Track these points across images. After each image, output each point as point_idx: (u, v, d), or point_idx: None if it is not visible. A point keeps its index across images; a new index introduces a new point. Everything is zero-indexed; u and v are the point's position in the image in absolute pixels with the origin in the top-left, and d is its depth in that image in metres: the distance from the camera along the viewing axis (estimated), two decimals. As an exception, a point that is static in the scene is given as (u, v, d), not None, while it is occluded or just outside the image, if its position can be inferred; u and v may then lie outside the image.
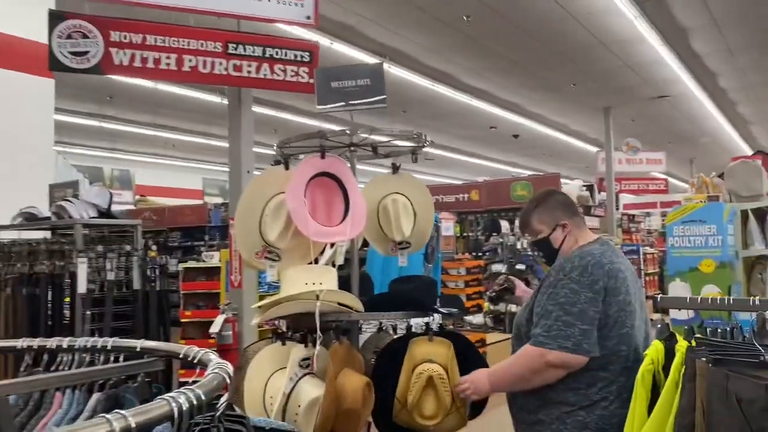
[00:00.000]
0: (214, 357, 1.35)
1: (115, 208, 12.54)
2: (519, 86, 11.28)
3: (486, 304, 8.48)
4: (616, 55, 9.57)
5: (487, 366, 2.47)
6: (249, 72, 4.15)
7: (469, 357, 2.47)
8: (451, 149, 17.24)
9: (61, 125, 12.56)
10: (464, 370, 2.38)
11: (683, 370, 1.82)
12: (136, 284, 3.52)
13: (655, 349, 2.04)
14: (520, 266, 8.13)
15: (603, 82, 11.14)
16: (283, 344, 2.48)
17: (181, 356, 1.48)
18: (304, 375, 2.36)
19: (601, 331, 2.11)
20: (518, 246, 8.77)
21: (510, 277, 2.78)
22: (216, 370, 1.17)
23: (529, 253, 8.76)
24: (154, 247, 3.51)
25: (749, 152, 18.31)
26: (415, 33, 8.61)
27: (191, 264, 7.38)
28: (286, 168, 2.52)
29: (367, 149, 2.59)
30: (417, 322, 2.77)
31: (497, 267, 8.58)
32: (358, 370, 2.42)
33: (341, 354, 2.35)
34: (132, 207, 15.36)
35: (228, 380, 1.15)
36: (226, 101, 4.81)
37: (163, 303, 3.59)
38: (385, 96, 2.61)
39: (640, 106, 12.92)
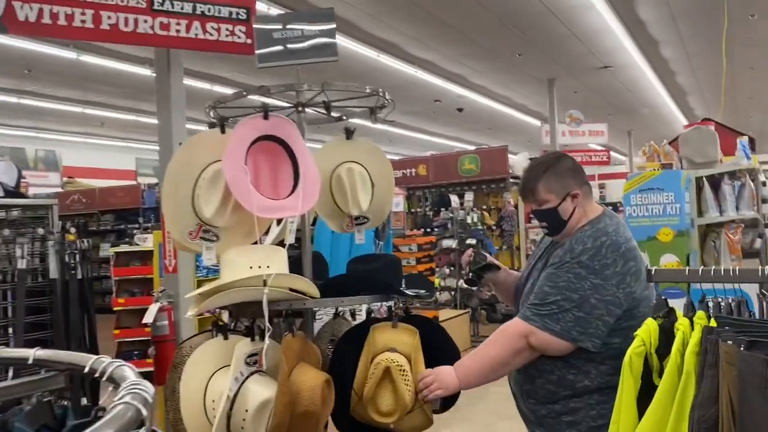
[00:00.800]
0: (129, 373, 0.99)
1: (39, 191, 11.75)
2: (464, 56, 11.01)
3: (437, 280, 8.26)
4: (563, 23, 9.40)
5: (459, 356, 2.18)
6: (178, 31, 3.69)
7: (440, 346, 2.18)
8: (397, 124, 16.93)
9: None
10: (435, 361, 2.08)
11: (697, 353, 1.56)
12: (54, 273, 3.07)
13: (647, 329, 1.78)
14: (471, 241, 7.92)
15: (549, 53, 11.00)
16: (226, 338, 2.12)
17: (86, 370, 1.11)
18: (252, 374, 2.01)
19: (620, 319, 1.89)
20: (468, 220, 8.57)
21: (480, 251, 2.44)
22: (128, 399, 0.82)
23: (479, 227, 8.57)
24: (72, 230, 3.05)
25: (685, 123, 18.73)
26: (358, -1, 8.20)
27: (123, 248, 6.85)
28: (222, 131, 2.14)
29: (319, 110, 2.23)
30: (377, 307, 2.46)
31: (448, 242, 8.37)
32: (314, 365, 2.09)
33: (295, 347, 2.02)
34: (59, 189, 14.48)
35: (144, 412, 0.80)
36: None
37: (86, 293, 3.15)
38: (335, 47, 2.26)
39: (584, 78, 12.89)
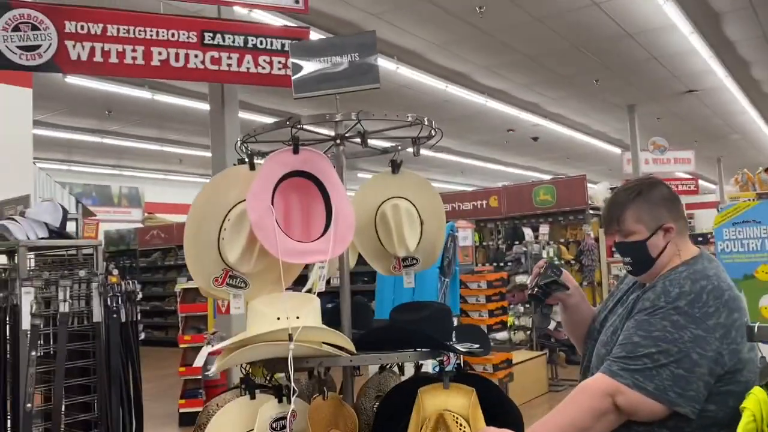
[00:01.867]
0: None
1: (122, 227, 12.11)
2: (537, 84, 10.65)
3: (511, 319, 7.83)
4: (642, 46, 8.92)
5: (521, 420, 1.87)
6: (229, 65, 3.60)
7: (499, 409, 1.87)
8: (466, 155, 16.61)
9: (60, 143, 12.21)
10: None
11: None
12: (97, 316, 2.96)
13: (755, 400, 1.43)
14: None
15: (628, 78, 10.48)
16: (253, 397, 1.90)
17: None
18: (278, 441, 1.77)
19: (719, 382, 1.55)
20: (543, 255, 8.12)
21: (555, 264, 2.08)
22: None
23: (556, 262, 8.10)
24: (115, 272, 2.94)
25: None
26: (425, 28, 8.05)
27: (190, 284, 6.83)
28: (252, 168, 1.95)
29: (354, 141, 2.00)
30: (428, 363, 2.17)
31: (521, 278, 7.94)
32: (349, 432, 1.84)
33: (325, 412, 1.76)
34: (140, 225, 14.95)
35: None
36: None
37: (130, 337, 3.02)
38: (377, 72, 2.04)
39: (667, 103, 12.22)
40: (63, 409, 2.94)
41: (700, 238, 8.97)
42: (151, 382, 8.11)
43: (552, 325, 7.33)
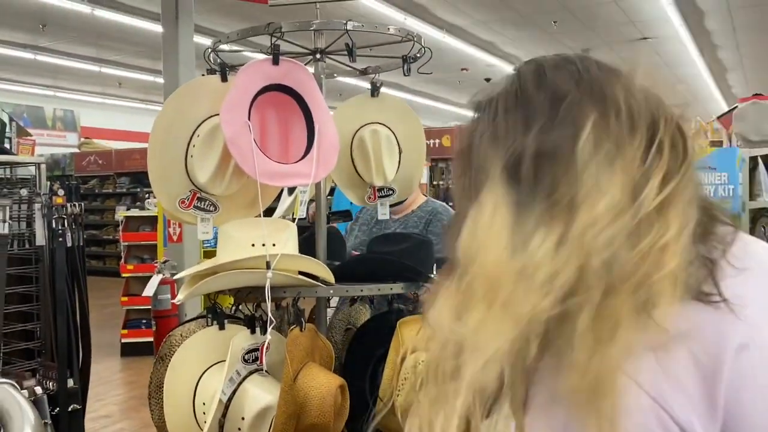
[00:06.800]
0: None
1: (57, 151, 11.49)
2: (496, 21, 10.44)
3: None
4: (603, -11, 8.82)
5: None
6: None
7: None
8: (419, 93, 16.38)
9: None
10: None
11: None
12: (40, 239, 2.75)
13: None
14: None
15: (586, 21, 10.40)
16: (222, 327, 1.78)
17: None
18: (251, 373, 1.67)
19: None
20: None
21: None
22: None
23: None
24: (60, 192, 2.71)
25: (722, 102, 17.94)
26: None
27: (133, 212, 6.55)
28: (224, 79, 1.77)
29: (339, 57, 1.83)
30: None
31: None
32: (326, 365, 1.75)
33: (303, 344, 1.66)
34: (76, 150, 14.25)
35: None
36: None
37: (76, 262, 2.82)
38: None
39: (620, 49, 12.24)
40: (2, 336, 2.75)
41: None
42: (92, 312, 7.87)
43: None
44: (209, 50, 1.81)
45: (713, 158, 4.58)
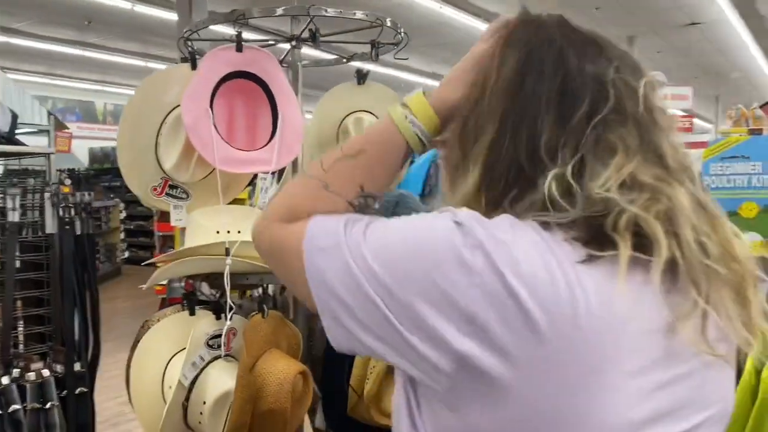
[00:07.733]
0: None
1: (107, 144, 11.75)
2: (534, 5, 10.20)
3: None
4: (646, -28, 8.52)
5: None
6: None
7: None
8: (437, 76, 15.96)
9: (39, 54, 11.75)
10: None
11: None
12: (50, 227, 2.83)
13: None
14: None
15: (629, 7, 10.07)
16: (192, 313, 1.80)
17: None
18: (215, 359, 1.68)
19: None
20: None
21: None
22: None
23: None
24: (68, 182, 2.79)
25: (781, 88, 17.16)
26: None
27: (167, 203, 6.70)
28: (194, 67, 1.78)
29: (308, 43, 1.82)
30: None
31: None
32: (292, 352, 1.75)
33: (264, 330, 1.66)
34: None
35: None
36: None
37: (85, 251, 2.90)
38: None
39: (668, 35, 11.82)
40: (22, 322, 2.86)
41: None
42: (129, 301, 8.10)
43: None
44: (181, 39, 1.82)
45: (747, 146, 4.38)
